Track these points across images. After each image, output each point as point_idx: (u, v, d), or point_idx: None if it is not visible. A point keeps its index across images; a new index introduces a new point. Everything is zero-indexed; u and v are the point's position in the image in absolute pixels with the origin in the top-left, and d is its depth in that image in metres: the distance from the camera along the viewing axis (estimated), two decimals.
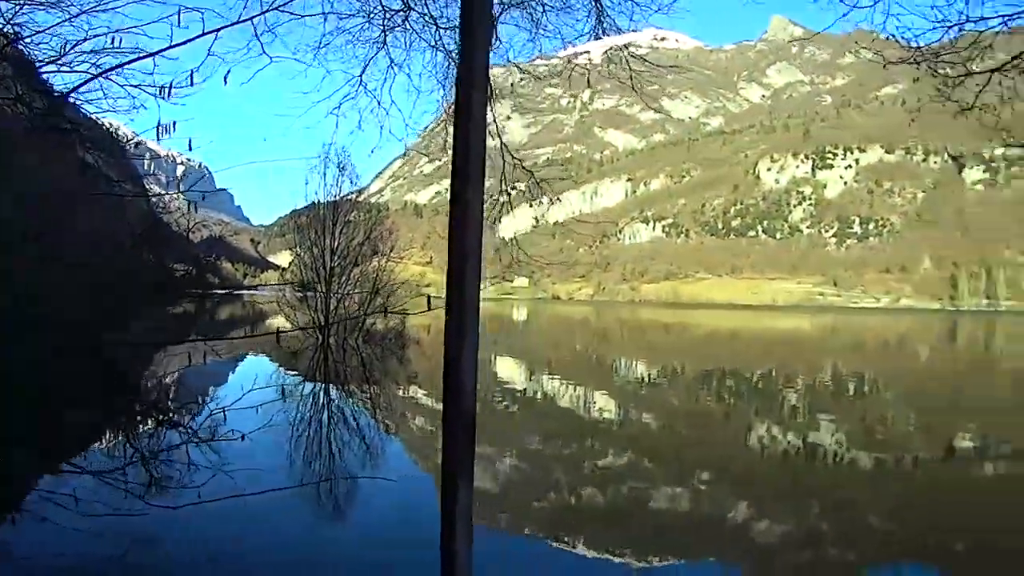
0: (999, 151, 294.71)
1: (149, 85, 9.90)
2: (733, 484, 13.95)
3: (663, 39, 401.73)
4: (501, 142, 10.05)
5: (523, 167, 10.13)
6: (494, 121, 10.15)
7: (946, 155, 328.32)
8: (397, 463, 14.42)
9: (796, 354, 55.04)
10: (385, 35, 9.57)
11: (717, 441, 18.79)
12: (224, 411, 15.43)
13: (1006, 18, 8.65)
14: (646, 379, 33.50)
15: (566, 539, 10.14)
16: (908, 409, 26.88)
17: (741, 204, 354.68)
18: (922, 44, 9.04)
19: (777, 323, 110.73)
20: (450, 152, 10.95)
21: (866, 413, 24.81)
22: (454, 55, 9.69)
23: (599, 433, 18.71)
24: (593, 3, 9.81)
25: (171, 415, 17.67)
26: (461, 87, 4.32)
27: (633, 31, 10.18)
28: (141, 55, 9.58)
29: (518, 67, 10.57)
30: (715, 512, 11.99)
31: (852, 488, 14.19)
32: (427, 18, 9.78)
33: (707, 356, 49.98)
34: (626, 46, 10.51)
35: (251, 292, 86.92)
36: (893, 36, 9.12)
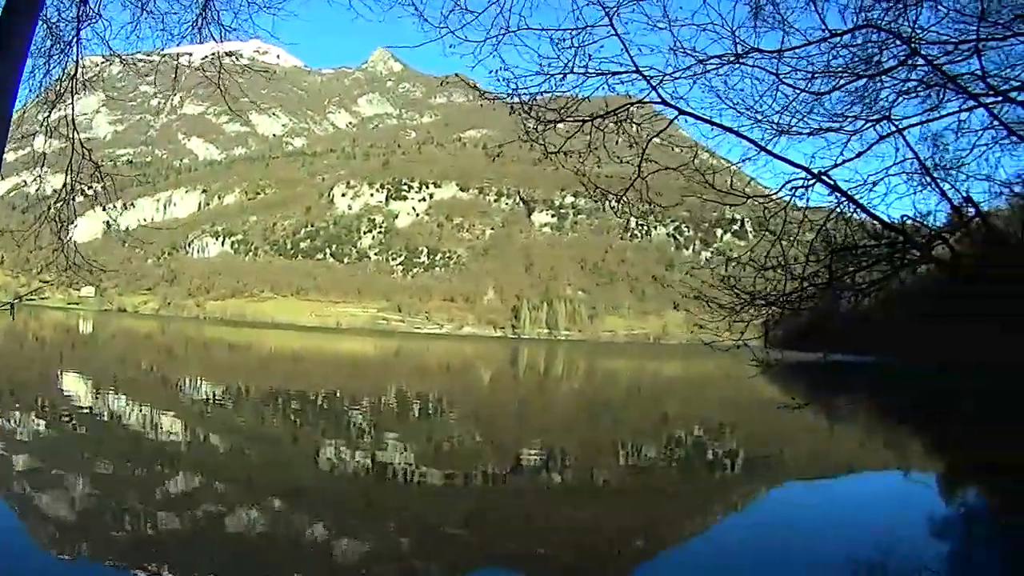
0: (569, 199, 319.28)
1: None
2: (308, 504, 13.81)
3: (265, 52, 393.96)
4: (74, 128, 9.15)
5: (91, 160, 9.22)
6: (71, 106, 9.25)
7: (518, 198, 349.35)
8: None
9: (361, 375, 55.90)
10: None
11: (288, 462, 18.55)
12: None
13: (607, 75, 9.12)
14: (213, 399, 32.44)
15: (146, 566, 9.57)
16: (472, 426, 28.12)
17: (312, 226, 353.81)
18: (522, 89, 9.34)
19: (342, 345, 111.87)
20: (39, 139, 9.68)
21: (432, 431, 25.65)
22: (55, 24, 8.71)
23: (169, 455, 17.79)
24: None
25: None
26: None
27: (238, 36, 9.68)
28: None
29: (119, 57, 9.68)
30: (292, 533, 11.83)
31: (423, 503, 14.52)
32: None
33: (273, 376, 49.30)
34: (229, 54, 10.07)
35: None
36: (496, 72, 9.34)
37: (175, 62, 10.22)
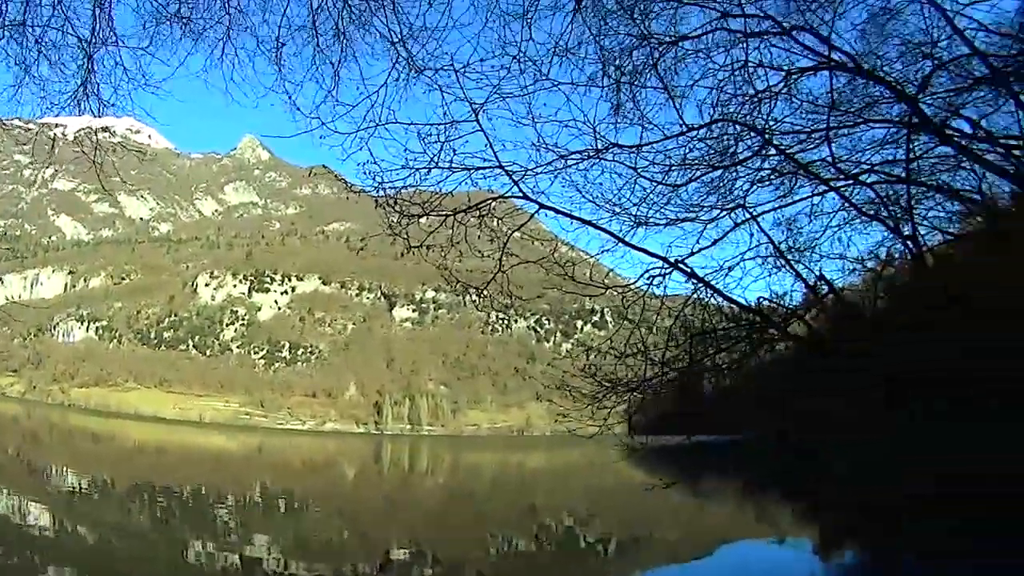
0: (430, 294, 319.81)
1: None
2: None
3: (137, 131, 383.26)
4: None
5: None
6: None
7: (380, 293, 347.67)
8: None
9: (224, 470, 54.85)
10: None
11: (155, 557, 18.01)
12: None
13: (471, 170, 9.31)
14: (79, 490, 31.33)
15: None
16: (339, 523, 27.70)
17: (175, 316, 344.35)
18: (387, 183, 9.43)
19: (205, 440, 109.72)
20: None
21: (298, 528, 25.16)
22: None
23: (35, 547, 17.08)
24: (84, 60, 9.05)
25: None
26: None
27: (115, 112, 9.53)
28: None
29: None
30: None
31: None
32: None
33: (137, 469, 47.89)
34: (104, 129, 9.94)
35: None
36: (364, 165, 9.42)
37: (52, 132, 10.05)
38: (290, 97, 9.00)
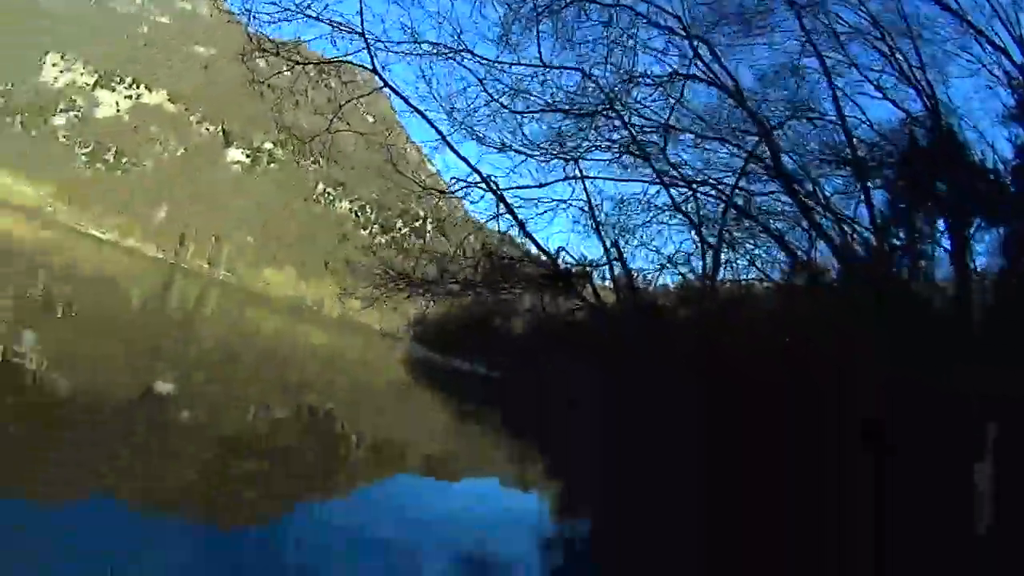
0: (268, 145, 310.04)
1: None
2: None
3: None
4: None
5: None
6: None
7: (221, 128, 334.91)
8: None
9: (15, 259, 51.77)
10: None
11: None
12: None
13: (335, 27, 9.36)
14: None
15: None
16: (114, 342, 26.86)
17: (10, 85, 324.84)
18: (259, 13, 9.34)
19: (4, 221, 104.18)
20: None
21: (65, 335, 24.34)
22: None
23: None
24: None
25: None
26: None
27: None
28: None
29: None
30: None
31: None
32: None
33: None
34: None
35: None
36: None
37: None
38: None
